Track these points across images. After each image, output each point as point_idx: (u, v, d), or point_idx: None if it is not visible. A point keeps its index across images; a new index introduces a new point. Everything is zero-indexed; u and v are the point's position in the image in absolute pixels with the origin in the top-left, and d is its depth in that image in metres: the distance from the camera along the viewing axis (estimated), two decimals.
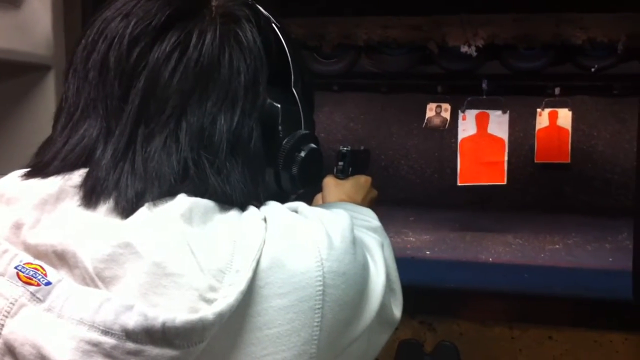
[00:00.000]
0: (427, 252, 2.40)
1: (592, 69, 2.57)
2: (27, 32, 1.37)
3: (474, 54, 2.50)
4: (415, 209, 3.05)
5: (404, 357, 1.82)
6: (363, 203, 1.12)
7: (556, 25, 2.35)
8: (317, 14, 2.30)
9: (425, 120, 2.97)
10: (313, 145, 0.81)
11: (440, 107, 2.95)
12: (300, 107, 0.81)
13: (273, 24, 0.80)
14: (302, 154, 0.79)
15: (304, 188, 0.84)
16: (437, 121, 2.95)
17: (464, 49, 2.49)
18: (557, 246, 2.52)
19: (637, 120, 1.95)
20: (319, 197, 1.17)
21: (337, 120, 3.37)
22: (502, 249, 2.45)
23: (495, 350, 1.95)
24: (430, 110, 2.97)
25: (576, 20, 2.34)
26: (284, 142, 0.78)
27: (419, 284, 2.04)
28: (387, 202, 3.17)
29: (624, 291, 1.74)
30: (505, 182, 2.60)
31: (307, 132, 0.81)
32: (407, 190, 3.21)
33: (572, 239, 2.61)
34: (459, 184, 2.68)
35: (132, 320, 0.57)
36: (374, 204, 1.17)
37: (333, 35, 2.52)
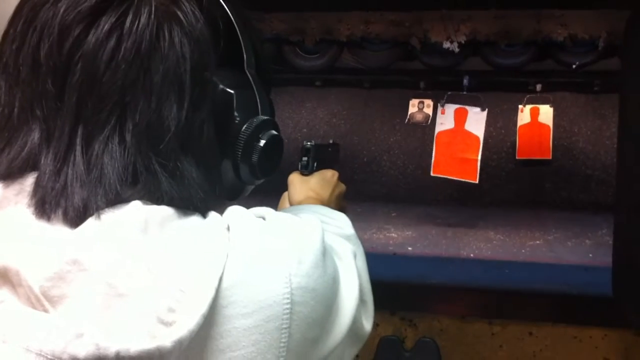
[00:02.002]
0: (409, 248, 2.40)
1: (573, 66, 2.58)
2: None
3: (456, 50, 2.50)
4: (397, 204, 3.05)
5: (384, 353, 1.82)
6: (330, 198, 1.09)
7: (537, 22, 2.35)
8: (298, 9, 2.29)
9: (408, 116, 2.97)
10: (273, 132, 0.76)
11: (422, 103, 2.94)
12: (255, 91, 0.75)
13: (221, 0, 0.73)
14: (262, 142, 0.75)
15: (265, 178, 0.79)
16: (419, 117, 2.95)
17: (447, 45, 2.49)
18: (538, 242, 2.52)
19: (618, 116, 1.96)
20: (285, 195, 1.13)
21: (320, 116, 3.36)
22: (483, 244, 2.46)
23: (476, 346, 1.95)
24: (413, 106, 2.97)
25: (557, 17, 2.35)
26: (241, 130, 0.72)
27: (399, 281, 2.04)
28: (369, 198, 3.17)
29: (603, 287, 1.74)
30: (477, 181, 2.62)
31: (265, 117, 0.76)
32: (390, 186, 3.20)
33: (553, 235, 2.62)
34: (432, 174, 2.71)
35: (83, 350, 0.52)
36: (343, 200, 1.14)
37: (315, 30, 2.52)
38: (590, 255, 2.36)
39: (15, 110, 0.65)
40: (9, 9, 1.40)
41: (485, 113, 2.66)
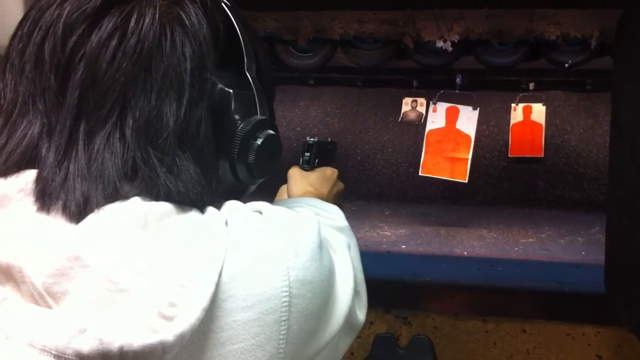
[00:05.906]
0: (403, 246, 2.40)
1: (566, 65, 2.59)
2: None
3: (450, 49, 2.51)
4: (390, 203, 3.05)
5: (379, 350, 1.83)
6: (329, 195, 1.10)
7: (529, 21, 2.36)
8: (292, 8, 2.29)
9: (401, 115, 2.97)
10: (270, 132, 0.77)
11: (415, 101, 2.95)
12: (255, 92, 0.77)
13: (223, 4, 0.75)
14: (259, 141, 0.75)
15: (263, 177, 0.80)
16: (412, 115, 2.96)
17: (439, 44, 2.50)
18: (531, 240, 2.53)
19: (610, 115, 1.97)
20: (284, 188, 1.14)
21: (313, 115, 3.36)
22: (476, 242, 2.46)
23: (470, 344, 1.96)
24: (406, 104, 2.98)
25: (549, 16, 2.36)
26: (238, 129, 0.74)
27: (393, 278, 2.04)
28: (363, 197, 3.17)
29: (596, 284, 1.75)
30: (466, 181, 2.61)
31: (263, 117, 0.77)
32: (383, 185, 3.20)
33: (546, 233, 2.63)
34: (420, 174, 2.69)
35: (86, 345, 0.53)
36: (340, 197, 1.15)
37: (308, 29, 2.52)
38: (583, 252, 2.37)
39: (17, 105, 0.66)
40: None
41: (477, 112, 2.67)
